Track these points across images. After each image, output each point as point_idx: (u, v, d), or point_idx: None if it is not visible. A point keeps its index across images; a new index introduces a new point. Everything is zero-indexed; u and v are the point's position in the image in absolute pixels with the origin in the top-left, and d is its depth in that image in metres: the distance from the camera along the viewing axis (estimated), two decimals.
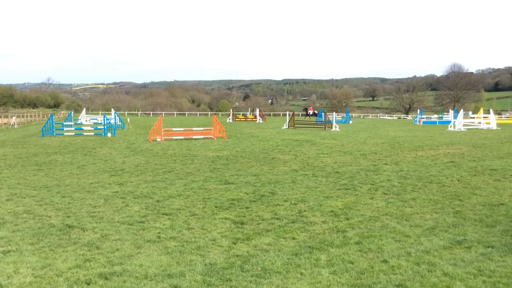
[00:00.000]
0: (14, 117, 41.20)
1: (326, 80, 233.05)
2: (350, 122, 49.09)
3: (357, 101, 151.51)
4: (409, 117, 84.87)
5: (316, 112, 59.65)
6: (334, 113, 42.05)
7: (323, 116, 37.95)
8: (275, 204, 8.53)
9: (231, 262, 5.44)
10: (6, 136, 27.26)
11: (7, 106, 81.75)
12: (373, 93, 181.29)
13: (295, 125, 36.17)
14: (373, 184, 10.55)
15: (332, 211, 7.97)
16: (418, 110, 52.80)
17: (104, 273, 5.05)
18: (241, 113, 67.54)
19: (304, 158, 15.76)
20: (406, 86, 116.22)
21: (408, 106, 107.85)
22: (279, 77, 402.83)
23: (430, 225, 7.05)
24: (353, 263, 5.42)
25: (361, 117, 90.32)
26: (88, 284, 4.78)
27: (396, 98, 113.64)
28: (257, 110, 55.06)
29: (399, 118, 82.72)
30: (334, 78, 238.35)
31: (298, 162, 14.62)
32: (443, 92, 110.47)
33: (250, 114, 58.03)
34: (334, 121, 34.77)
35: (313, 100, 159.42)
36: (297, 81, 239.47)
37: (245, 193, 9.61)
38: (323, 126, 35.01)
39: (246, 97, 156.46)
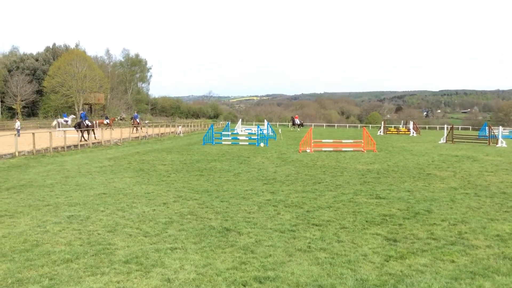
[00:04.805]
0: (180, 127, 45.77)
1: (490, 91, 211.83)
2: None
3: None
4: None
5: (302, 122, 55.00)
6: (500, 127, 37.94)
7: (487, 130, 34.50)
8: (431, 223, 8.01)
9: (383, 280, 5.26)
10: (173, 144, 30.37)
11: (174, 116, 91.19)
12: None
13: (454, 140, 33.55)
14: None
15: (498, 235, 7.19)
16: None
17: (259, 277, 5.29)
18: (392, 125, 65.00)
19: (465, 175, 14.51)
20: None
21: None
22: (435, 87, 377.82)
23: None
24: None
25: None
26: (244, 286, 5.05)
27: None
28: (411, 122, 52.44)
29: None
30: (500, 89, 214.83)
31: (457, 180, 13.53)
32: None
33: (402, 127, 55.51)
34: (500, 136, 31.36)
35: (474, 112, 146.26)
36: (456, 92, 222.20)
37: (398, 209, 9.22)
38: (487, 142, 31.85)
39: (398, 109, 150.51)
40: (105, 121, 43.26)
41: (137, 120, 43.33)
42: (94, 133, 30.90)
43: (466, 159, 20.04)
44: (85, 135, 29.37)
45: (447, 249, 6.49)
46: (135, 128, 39.51)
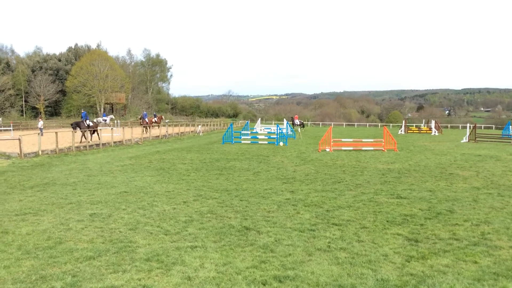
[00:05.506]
0: (199, 126, 46.03)
1: None
2: None
3: None
4: None
5: (302, 122, 51.93)
6: None
7: (510, 129, 33.78)
8: (453, 224, 7.89)
9: (404, 280, 5.20)
10: (193, 143, 30.57)
11: (193, 115, 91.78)
12: None
13: (477, 139, 32.97)
14: None
15: None
16: None
17: (278, 276, 5.29)
18: (414, 124, 64.23)
19: (488, 175, 14.25)
20: None
21: None
22: (458, 86, 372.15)
23: None
24: None
25: None
26: (264, 284, 5.06)
27: None
28: (433, 121, 51.72)
29: None
30: None
31: (480, 179, 13.29)
32: None
33: (424, 126, 54.80)
34: None
35: (498, 111, 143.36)
36: (479, 90, 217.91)
37: (419, 209, 9.10)
38: (511, 141, 31.20)
39: (420, 107, 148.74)
40: (153, 119, 43.49)
41: (146, 119, 43.35)
42: (97, 134, 27.49)
43: (489, 158, 19.68)
44: (87, 135, 26.76)
45: (470, 249, 6.39)
46: (144, 128, 39.04)
